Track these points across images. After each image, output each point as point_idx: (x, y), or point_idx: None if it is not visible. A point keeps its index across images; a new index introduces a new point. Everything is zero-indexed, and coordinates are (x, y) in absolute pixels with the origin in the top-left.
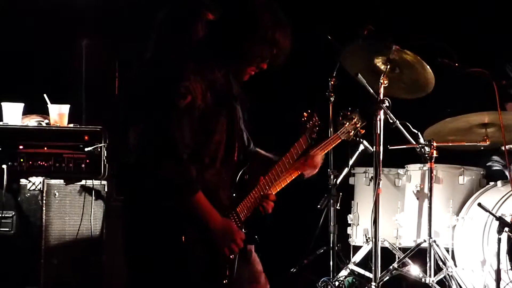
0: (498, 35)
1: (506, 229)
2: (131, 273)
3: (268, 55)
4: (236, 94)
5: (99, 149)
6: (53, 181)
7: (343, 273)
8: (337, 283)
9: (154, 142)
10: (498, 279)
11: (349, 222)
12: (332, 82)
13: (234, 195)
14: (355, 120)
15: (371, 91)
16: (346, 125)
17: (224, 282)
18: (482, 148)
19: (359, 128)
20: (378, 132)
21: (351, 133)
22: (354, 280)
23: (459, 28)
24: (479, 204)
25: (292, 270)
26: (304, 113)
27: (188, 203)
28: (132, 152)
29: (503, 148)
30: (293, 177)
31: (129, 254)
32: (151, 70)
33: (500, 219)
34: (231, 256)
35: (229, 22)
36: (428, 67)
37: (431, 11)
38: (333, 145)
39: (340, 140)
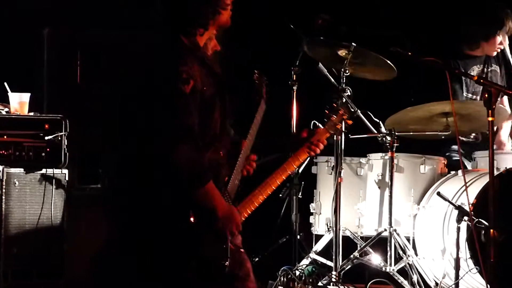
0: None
1: (465, 218)
2: (132, 258)
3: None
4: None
5: (59, 138)
6: (13, 170)
7: (304, 262)
8: (297, 272)
9: (170, 131)
10: (457, 268)
11: (311, 211)
12: (295, 71)
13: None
14: (342, 112)
15: (332, 80)
16: (333, 118)
17: (226, 264)
18: (443, 137)
19: (346, 120)
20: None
21: (339, 126)
22: (314, 269)
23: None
24: (438, 193)
25: (254, 259)
26: (255, 74)
27: (200, 191)
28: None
29: (462, 138)
30: None
31: (131, 239)
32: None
33: (459, 208)
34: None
35: None
36: (385, 60)
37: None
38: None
39: (328, 134)
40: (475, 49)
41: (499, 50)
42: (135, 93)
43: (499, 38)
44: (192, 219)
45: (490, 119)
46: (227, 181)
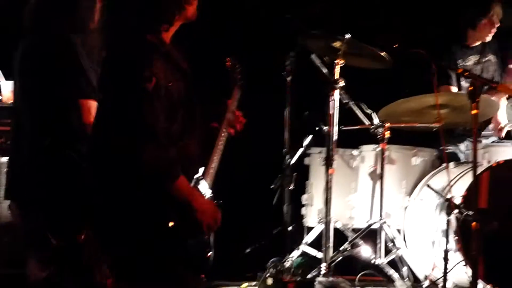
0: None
1: (455, 210)
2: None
3: None
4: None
5: None
6: (4, 159)
7: (295, 253)
8: (287, 264)
9: (132, 130)
10: (446, 260)
11: (303, 202)
12: (289, 62)
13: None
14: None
15: (325, 71)
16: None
17: (210, 255)
18: (434, 129)
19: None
20: (332, 112)
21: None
22: (303, 260)
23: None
24: (428, 186)
25: (246, 250)
26: (227, 62)
27: (172, 187)
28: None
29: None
30: None
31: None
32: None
33: (448, 200)
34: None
35: None
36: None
37: None
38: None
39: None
40: (466, 38)
41: (490, 37)
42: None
43: (487, 24)
44: (171, 223)
45: (474, 112)
46: (203, 172)
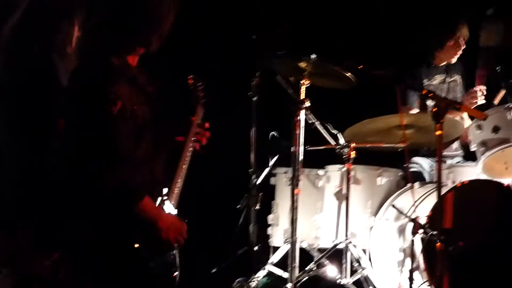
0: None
1: (420, 230)
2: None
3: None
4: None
5: None
6: None
7: (261, 273)
8: (252, 284)
9: (98, 153)
10: (411, 280)
11: (269, 222)
12: (255, 82)
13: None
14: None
15: (291, 92)
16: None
17: (175, 274)
18: (400, 149)
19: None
20: (298, 132)
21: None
22: (268, 280)
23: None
24: (393, 206)
25: (212, 270)
26: (189, 80)
27: (136, 208)
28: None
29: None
30: None
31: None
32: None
33: (413, 220)
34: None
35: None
36: (344, 71)
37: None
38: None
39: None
40: (433, 59)
41: (455, 58)
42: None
43: (453, 45)
44: (137, 244)
45: (438, 132)
46: (166, 194)
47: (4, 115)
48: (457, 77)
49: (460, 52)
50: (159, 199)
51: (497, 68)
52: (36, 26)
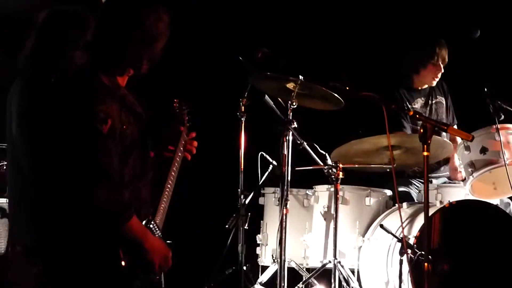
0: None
1: (409, 250)
2: None
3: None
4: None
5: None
6: None
7: None
8: None
9: (87, 172)
10: None
11: (258, 242)
12: (243, 103)
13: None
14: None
15: (278, 112)
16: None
17: None
18: (388, 170)
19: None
20: (285, 152)
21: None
22: None
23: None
24: (381, 226)
25: None
26: (175, 103)
27: (124, 228)
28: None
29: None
30: None
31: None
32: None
33: (401, 240)
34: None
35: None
36: (331, 92)
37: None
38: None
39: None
40: (412, 82)
41: (436, 81)
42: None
43: (431, 69)
44: (123, 262)
45: (425, 153)
46: (153, 215)
47: (23, 137)
48: (441, 98)
49: (439, 75)
50: (146, 219)
51: (484, 89)
52: (50, 52)
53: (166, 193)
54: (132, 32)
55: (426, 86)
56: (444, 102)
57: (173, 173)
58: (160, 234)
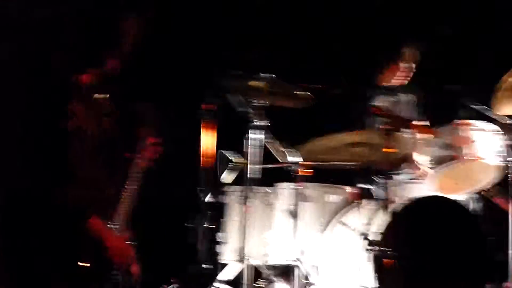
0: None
1: (370, 247)
2: None
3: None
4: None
5: None
6: None
7: None
8: None
9: (50, 170)
10: None
11: (219, 240)
12: (206, 101)
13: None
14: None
15: (242, 110)
16: None
17: None
18: (352, 167)
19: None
20: (248, 150)
21: None
22: None
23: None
24: (343, 223)
25: None
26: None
27: (85, 226)
28: None
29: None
30: None
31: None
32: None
33: (364, 236)
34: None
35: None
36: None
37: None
38: None
39: None
40: (376, 80)
41: (398, 81)
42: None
43: (395, 69)
44: (84, 261)
45: (389, 150)
46: (116, 213)
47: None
48: (404, 96)
49: (404, 74)
50: (107, 219)
51: (446, 86)
52: None
53: (127, 193)
54: (93, 33)
55: (391, 84)
56: (409, 100)
57: (135, 174)
58: (121, 233)
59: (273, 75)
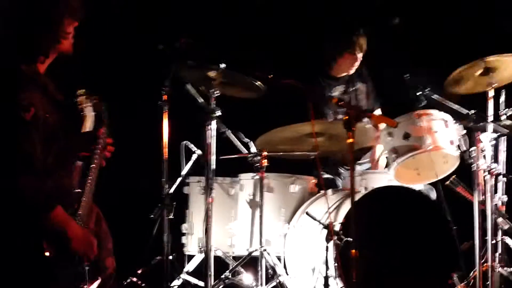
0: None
1: (335, 237)
2: None
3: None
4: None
5: None
6: None
7: (176, 282)
8: None
9: (10, 160)
10: (326, 287)
11: (183, 231)
12: (165, 91)
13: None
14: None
15: (201, 101)
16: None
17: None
18: (312, 157)
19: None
20: (209, 141)
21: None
22: None
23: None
24: (307, 213)
25: (126, 280)
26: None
27: (47, 217)
28: None
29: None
30: None
31: None
32: None
33: (327, 227)
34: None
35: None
36: (252, 80)
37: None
38: None
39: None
40: (330, 70)
41: (353, 69)
42: None
43: (348, 58)
44: (47, 253)
45: (350, 140)
46: (78, 205)
47: None
48: (360, 85)
49: (357, 63)
50: (70, 210)
51: (405, 76)
52: None
53: (88, 185)
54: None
55: (344, 74)
56: (363, 89)
57: (94, 166)
58: (84, 225)
59: (224, 65)
